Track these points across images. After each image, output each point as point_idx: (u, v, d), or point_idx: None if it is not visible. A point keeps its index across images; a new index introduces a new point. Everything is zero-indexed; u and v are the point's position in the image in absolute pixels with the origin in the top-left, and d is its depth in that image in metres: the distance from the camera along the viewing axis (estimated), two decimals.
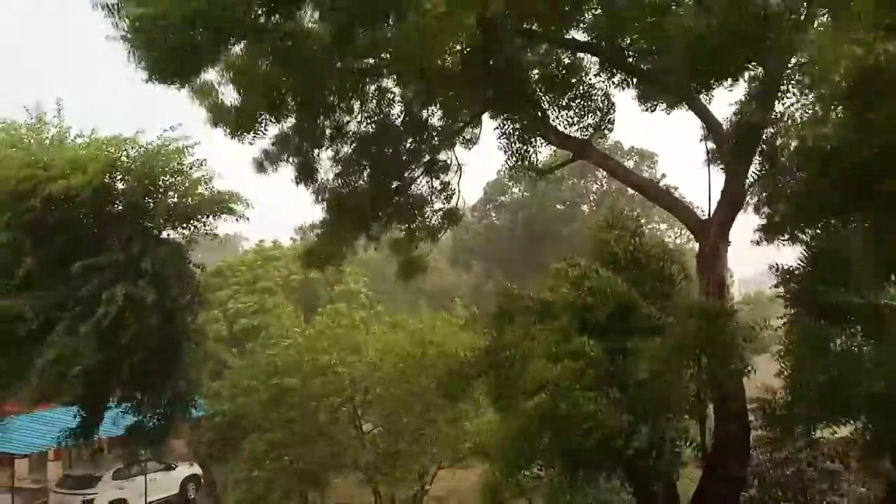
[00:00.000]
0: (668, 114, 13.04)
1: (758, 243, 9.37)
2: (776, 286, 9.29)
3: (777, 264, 9.20)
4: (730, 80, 9.99)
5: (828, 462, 9.87)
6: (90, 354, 11.49)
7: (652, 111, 13.00)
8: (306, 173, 13.73)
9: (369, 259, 49.37)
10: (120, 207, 13.09)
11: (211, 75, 11.06)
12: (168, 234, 13.43)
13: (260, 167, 13.31)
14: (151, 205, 12.86)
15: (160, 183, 12.93)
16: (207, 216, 13.24)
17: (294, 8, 10.04)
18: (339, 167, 13.89)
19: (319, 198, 13.95)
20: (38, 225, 12.19)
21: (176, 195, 13.07)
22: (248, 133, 12.12)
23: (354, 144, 13.64)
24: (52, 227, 12.35)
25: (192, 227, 13.44)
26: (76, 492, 21.81)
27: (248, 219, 13.87)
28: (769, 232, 9.43)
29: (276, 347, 19.61)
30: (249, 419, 19.54)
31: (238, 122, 11.79)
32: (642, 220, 10.32)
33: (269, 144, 13.07)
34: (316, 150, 13.65)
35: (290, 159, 13.47)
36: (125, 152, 12.89)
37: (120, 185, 13.07)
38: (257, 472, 18.08)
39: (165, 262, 12.48)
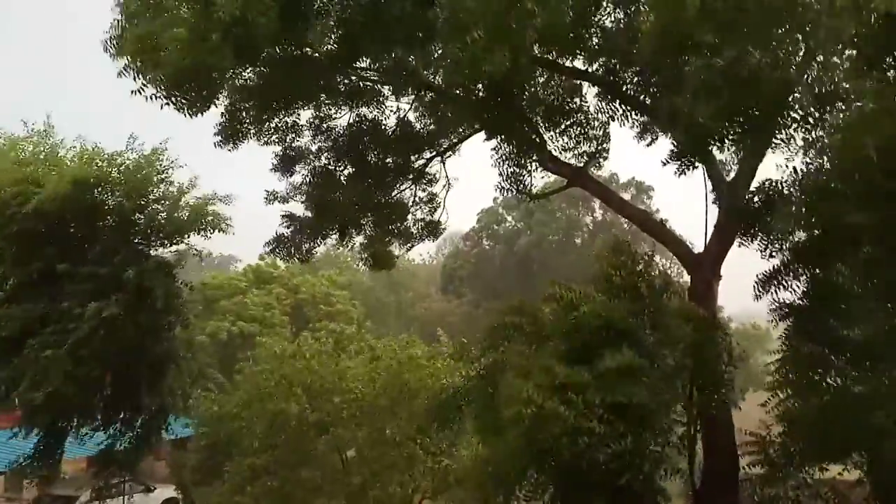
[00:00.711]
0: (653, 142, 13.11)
1: (763, 284, 9.29)
2: (776, 320, 9.20)
3: (778, 300, 9.16)
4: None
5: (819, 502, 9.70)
6: (58, 376, 11.32)
7: (649, 145, 13.07)
8: (285, 164, 13.67)
9: (360, 283, 49.47)
10: (109, 222, 12.98)
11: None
12: (156, 251, 13.30)
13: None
14: (140, 219, 12.77)
15: (149, 197, 12.86)
16: (195, 231, 13.12)
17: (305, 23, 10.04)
18: (324, 162, 13.85)
19: (296, 188, 13.91)
20: (26, 238, 12.09)
21: (164, 210, 12.97)
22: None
23: (340, 140, 13.60)
24: (40, 240, 12.24)
25: (180, 244, 13.33)
26: None
27: (232, 233, 13.72)
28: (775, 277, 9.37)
29: (262, 372, 19.37)
30: (233, 443, 19.22)
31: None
32: (646, 251, 10.21)
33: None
34: (297, 140, 13.63)
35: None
36: (115, 167, 12.85)
37: (109, 200, 13.01)
38: (238, 497, 17.73)
39: (150, 278, 12.32)
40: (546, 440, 7.20)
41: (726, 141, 9.17)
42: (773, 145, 8.67)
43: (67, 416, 12.38)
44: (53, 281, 12.17)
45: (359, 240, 15.37)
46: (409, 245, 15.54)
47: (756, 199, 9.71)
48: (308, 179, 14.02)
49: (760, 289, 9.28)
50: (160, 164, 13.04)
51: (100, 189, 12.78)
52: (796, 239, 8.97)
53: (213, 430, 20.13)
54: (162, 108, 10.26)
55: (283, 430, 18.05)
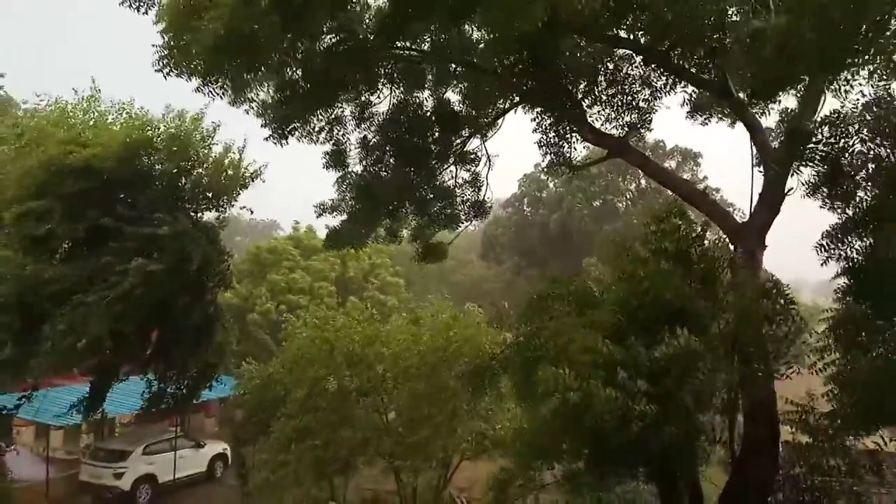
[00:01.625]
0: (707, 121, 12.88)
1: (824, 248, 8.95)
2: (835, 278, 8.88)
3: (838, 258, 8.81)
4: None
5: (862, 472, 9.63)
6: (98, 326, 11.64)
7: (705, 125, 12.84)
8: (335, 159, 13.82)
9: (402, 251, 49.82)
10: (154, 185, 13.30)
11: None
12: (200, 215, 13.61)
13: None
14: (186, 183, 13.05)
15: (191, 162, 13.12)
16: (237, 192, 13.36)
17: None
18: (367, 152, 13.91)
19: (346, 181, 14.01)
20: (75, 201, 12.46)
21: (206, 174, 13.23)
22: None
23: (382, 128, 13.63)
24: (88, 203, 12.60)
25: (224, 205, 13.59)
26: (107, 465, 22.40)
27: (262, 180, 13.96)
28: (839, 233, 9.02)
29: (305, 339, 19.78)
30: (278, 404, 19.78)
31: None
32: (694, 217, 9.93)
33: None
34: (343, 133, 13.72)
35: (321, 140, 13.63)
36: (158, 132, 13.12)
37: (155, 164, 13.32)
38: (283, 455, 18.31)
39: (190, 240, 12.64)
40: (591, 421, 7.07)
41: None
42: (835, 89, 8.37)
43: (111, 368, 12.80)
44: (101, 242, 12.54)
45: (406, 234, 15.60)
46: (457, 228, 15.58)
47: (821, 145, 9.14)
48: (354, 172, 14.13)
49: (827, 247, 8.83)
50: (202, 130, 13.26)
51: (146, 153, 13.07)
52: (861, 195, 8.67)
53: (259, 392, 20.75)
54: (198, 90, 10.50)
55: (323, 396, 18.51)
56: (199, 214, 13.76)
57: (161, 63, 9.85)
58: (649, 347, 7.63)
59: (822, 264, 8.84)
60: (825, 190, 9.03)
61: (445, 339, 18.18)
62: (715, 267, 8.93)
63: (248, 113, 12.24)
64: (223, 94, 10.85)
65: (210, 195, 13.42)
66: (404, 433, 18.44)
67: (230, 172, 13.38)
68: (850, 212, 8.78)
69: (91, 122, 13.78)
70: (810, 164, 9.08)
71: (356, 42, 11.16)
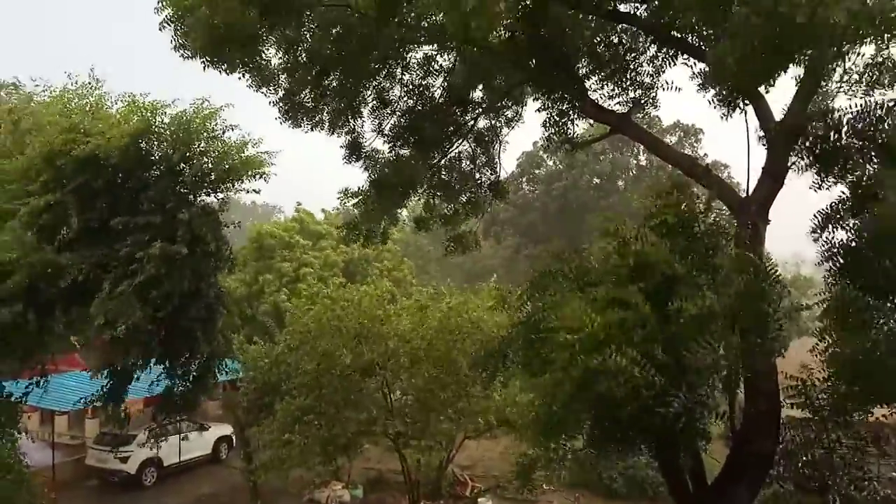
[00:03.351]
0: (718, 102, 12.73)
1: (818, 230, 8.93)
2: (823, 261, 8.91)
3: (830, 238, 8.81)
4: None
5: (862, 445, 9.70)
6: (133, 314, 11.68)
7: (717, 107, 12.67)
8: (353, 150, 13.84)
9: (404, 229, 49.75)
10: (156, 172, 13.25)
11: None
12: (202, 200, 13.56)
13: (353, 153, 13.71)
14: (187, 170, 13.00)
15: (195, 148, 13.06)
16: (241, 180, 13.32)
17: None
18: (383, 139, 13.94)
19: (365, 168, 14.09)
20: (79, 188, 12.43)
21: (210, 161, 13.17)
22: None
23: (397, 116, 13.61)
24: (92, 190, 12.57)
25: (225, 191, 13.54)
26: (112, 449, 22.61)
27: (274, 174, 13.81)
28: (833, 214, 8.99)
29: (312, 316, 19.82)
30: (283, 384, 19.90)
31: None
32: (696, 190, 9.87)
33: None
34: (360, 122, 13.78)
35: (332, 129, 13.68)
36: (161, 118, 13.04)
37: (156, 151, 13.25)
38: (288, 435, 18.46)
39: (199, 225, 12.63)
40: (600, 390, 7.07)
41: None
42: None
43: (134, 356, 12.86)
44: (108, 231, 12.53)
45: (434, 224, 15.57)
46: (480, 213, 15.55)
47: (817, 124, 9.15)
48: (373, 162, 14.20)
49: (819, 227, 8.79)
50: (206, 116, 13.18)
51: (148, 140, 13.01)
52: (857, 172, 8.61)
53: (265, 373, 20.86)
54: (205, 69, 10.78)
55: (329, 374, 18.60)
56: (200, 198, 13.70)
57: (175, 44, 10.06)
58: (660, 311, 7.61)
59: (815, 240, 8.85)
60: (816, 169, 9.04)
61: (455, 321, 18.29)
62: (717, 241, 8.91)
63: (265, 95, 12.66)
64: (229, 73, 11.06)
65: (213, 178, 13.35)
66: (409, 413, 18.60)
67: (238, 157, 13.32)
68: (844, 189, 8.76)
69: (88, 109, 13.67)
70: (803, 156, 9.12)
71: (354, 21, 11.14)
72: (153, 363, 13.72)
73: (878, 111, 8.29)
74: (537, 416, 9.03)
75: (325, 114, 13.48)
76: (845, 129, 8.67)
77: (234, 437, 26.13)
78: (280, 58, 12.32)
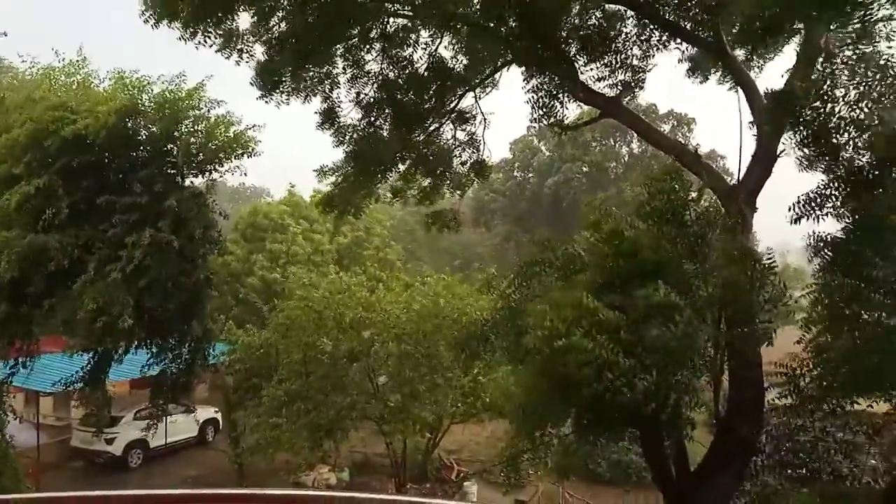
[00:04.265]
0: (706, 79, 12.81)
1: (797, 220, 8.90)
2: (813, 254, 8.91)
3: (814, 232, 8.80)
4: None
5: (847, 433, 9.77)
6: (123, 300, 11.64)
7: (703, 82, 12.76)
8: (328, 117, 13.62)
9: (395, 215, 49.64)
10: (143, 152, 13.09)
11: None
12: (190, 181, 13.44)
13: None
14: (175, 149, 12.85)
15: (182, 127, 12.90)
16: (228, 158, 13.16)
17: None
18: (361, 111, 13.71)
19: (340, 140, 13.83)
20: (66, 168, 12.28)
21: (198, 141, 13.02)
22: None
23: (376, 87, 13.44)
24: (79, 171, 12.42)
25: (214, 171, 13.40)
26: (97, 430, 22.48)
27: (260, 153, 13.63)
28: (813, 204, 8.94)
29: (296, 306, 19.81)
30: (269, 369, 19.90)
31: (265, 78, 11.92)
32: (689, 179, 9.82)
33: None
34: (336, 92, 13.53)
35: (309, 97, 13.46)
36: (147, 95, 12.87)
37: (143, 130, 13.09)
38: (275, 418, 18.46)
39: (187, 206, 12.51)
40: (568, 372, 7.12)
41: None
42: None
43: (119, 341, 12.78)
44: (94, 211, 12.40)
45: (412, 196, 15.40)
46: (461, 191, 15.39)
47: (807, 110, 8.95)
48: (349, 133, 13.94)
49: (801, 212, 8.61)
50: (191, 93, 13.01)
51: (134, 119, 12.84)
52: (846, 156, 8.59)
53: (251, 356, 20.84)
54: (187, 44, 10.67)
55: (315, 361, 18.61)
56: (188, 180, 13.56)
57: (147, 14, 9.87)
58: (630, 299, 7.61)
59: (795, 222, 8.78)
60: (807, 150, 8.93)
61: (440, 306, 18.28)
62: (706, 229, 8.90)
63: (238, 64, 12.37)
64: (207, 42, 10.92)
65: (201, 158, 13.19)
66: (394, 397, 18.64)
67: (224, 137, 13.14)
68: (838, 173, 8.69)
69: (74, 86, 13.49)
70: (797, 129, 8.99)
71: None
72: (139, 347, 13.65)
73: (874, 95, 8.23)
74: (519, 406, 9.04)
75: (301, 82, 13.21)
76: (839, 108, 8.60)
77: (220, 420, 26.10)
78: (255, 26, 12.08)
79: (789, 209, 8.58)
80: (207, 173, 13.33)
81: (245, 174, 13.55)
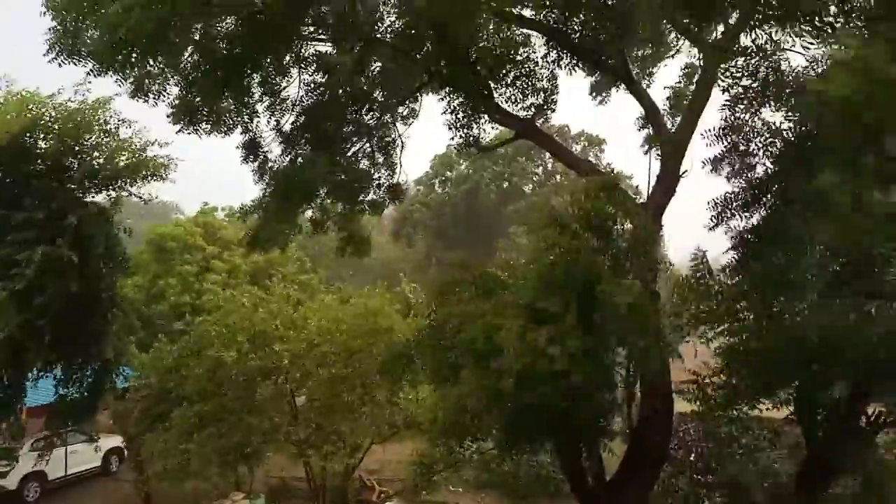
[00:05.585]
0: (607, 100, 13.44)
1: (713, 228, 9.29)
2: (736, 244, 9.20)
3: (734, 229, 9.16)
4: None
5: (750, 438, 10.24)
6: (10, 320, 10.88)
7: (604, 103, 13.34)
8: (251, 149, 13.38)
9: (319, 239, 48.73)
10: (41, 167, 12.40)
11: None
12: (92, 197, 12.79)
13: None
14: (75, 165, 12.24)
15: (83, 143, 12.30)
16: (135, 180, 12.63)
17: None
18: (280, 140, 13.50)
19: (261, 175, 13.59)
20: None
21: (101, 156, 12.43)
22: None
23: (294, 115, 13.29)
24: None
25: (118, 190, 12.81)
26: None
27: (172, 181, 13.18)
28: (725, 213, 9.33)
29: (206, 322, 19.19)
30: (180, 392, 19.08)
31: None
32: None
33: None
34: (255, 122, 13.26)
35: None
36: (46, 110, 12.22)
37: (42, 144, 12.40)
38: (184, 444, 17.70)
39: (88, 224, 11.90)
40: (500, 387, 7.25)
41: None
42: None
43: (21, 365, 11.96)
44: None
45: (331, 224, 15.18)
46: (377, 213, 15.36)
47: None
48: (268, 164, 13.71)
49: (715, 216, 9.18)
50: (100, 112, 12.44)
51: (32, 133, 12.15)
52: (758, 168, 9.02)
53: (158, 379, 19.94)
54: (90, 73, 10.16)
55: (223, 378, 18.03)
56: (91, 196, 12.90)
57: (54, 49, 9.38)
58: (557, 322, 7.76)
59: (709, 229, 9.24)
60: (727, 165, 9.41)
61: (370, 324, 18.07)
62: (630, 245, 9.19)
63: (153, 105, 11.73)
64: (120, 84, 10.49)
65: (106, 174, 12.57)
66: (315, 419, 18.22)
67: (129, 157, 12.57)
68: (749, 186, 9.17)
69: None
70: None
71: (260, 21, 10.76)
72: (38, 371, 12.84)
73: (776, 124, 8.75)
74: (440, 419, 9.06)
75: (221, 115, 12.86)
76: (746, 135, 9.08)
77: (125, 449, 24.81)
78: (172, 61, 11.59)
79: (712, 222, 9.03)
80: (112, 190, 12.73)
81: (156, 196, 13.06)
